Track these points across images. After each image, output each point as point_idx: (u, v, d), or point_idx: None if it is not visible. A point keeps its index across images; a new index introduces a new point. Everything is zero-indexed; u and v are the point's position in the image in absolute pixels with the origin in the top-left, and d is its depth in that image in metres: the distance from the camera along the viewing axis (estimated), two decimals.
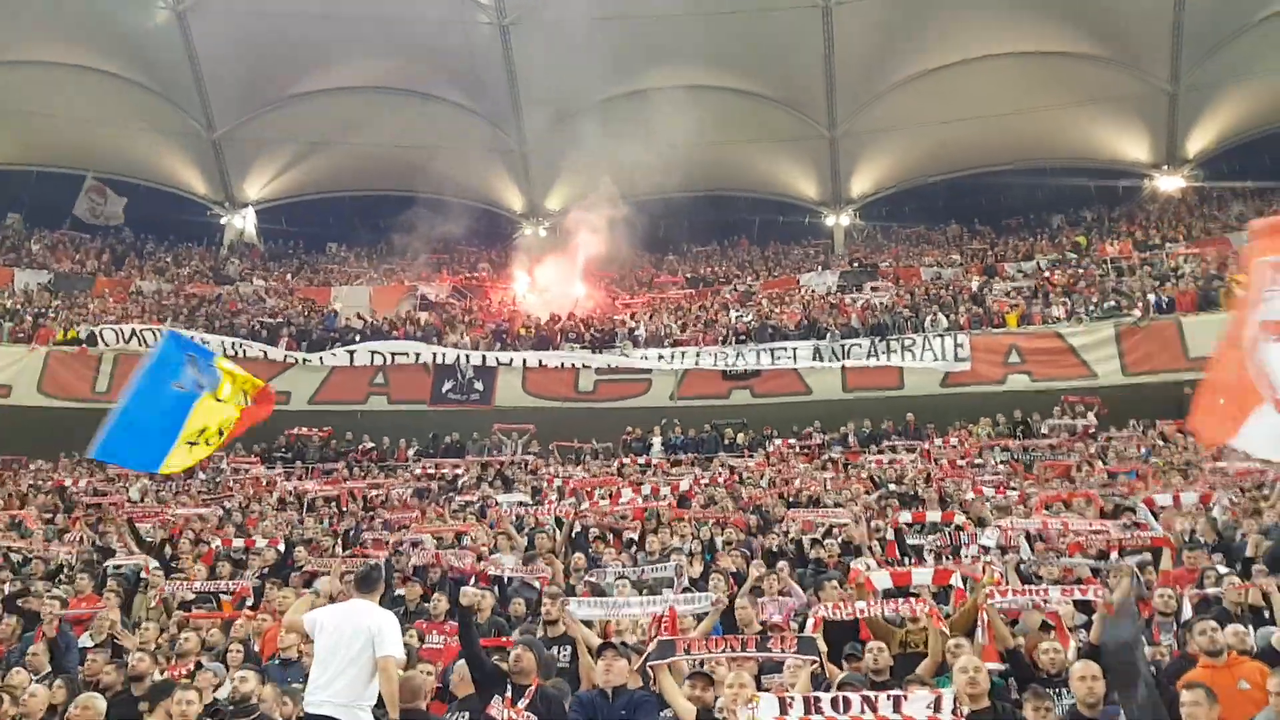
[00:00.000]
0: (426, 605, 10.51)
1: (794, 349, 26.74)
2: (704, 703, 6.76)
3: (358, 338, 28.42)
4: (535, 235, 39.07)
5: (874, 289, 30.80)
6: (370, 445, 25.18)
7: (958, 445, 21.43)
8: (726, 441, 24.26)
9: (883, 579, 9.91)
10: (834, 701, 6.12)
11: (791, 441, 23.21)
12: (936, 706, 5.96)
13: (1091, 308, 26.22)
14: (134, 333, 27.62)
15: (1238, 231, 31.03)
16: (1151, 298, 25.85)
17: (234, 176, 39.73)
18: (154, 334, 26.56)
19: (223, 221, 40.53)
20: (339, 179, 40.47)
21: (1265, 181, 34.07)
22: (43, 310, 30.15)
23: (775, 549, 13.08)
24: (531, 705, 6.57)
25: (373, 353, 27.60)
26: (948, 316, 27.03)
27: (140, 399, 9.22)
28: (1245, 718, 6.31)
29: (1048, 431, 22.42)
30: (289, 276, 36.38)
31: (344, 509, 17.86)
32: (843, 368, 26.22)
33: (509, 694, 6.63)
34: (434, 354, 27.67)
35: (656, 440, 24.60)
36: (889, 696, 6.11)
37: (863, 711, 6.07)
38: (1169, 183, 36.85)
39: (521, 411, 26.14)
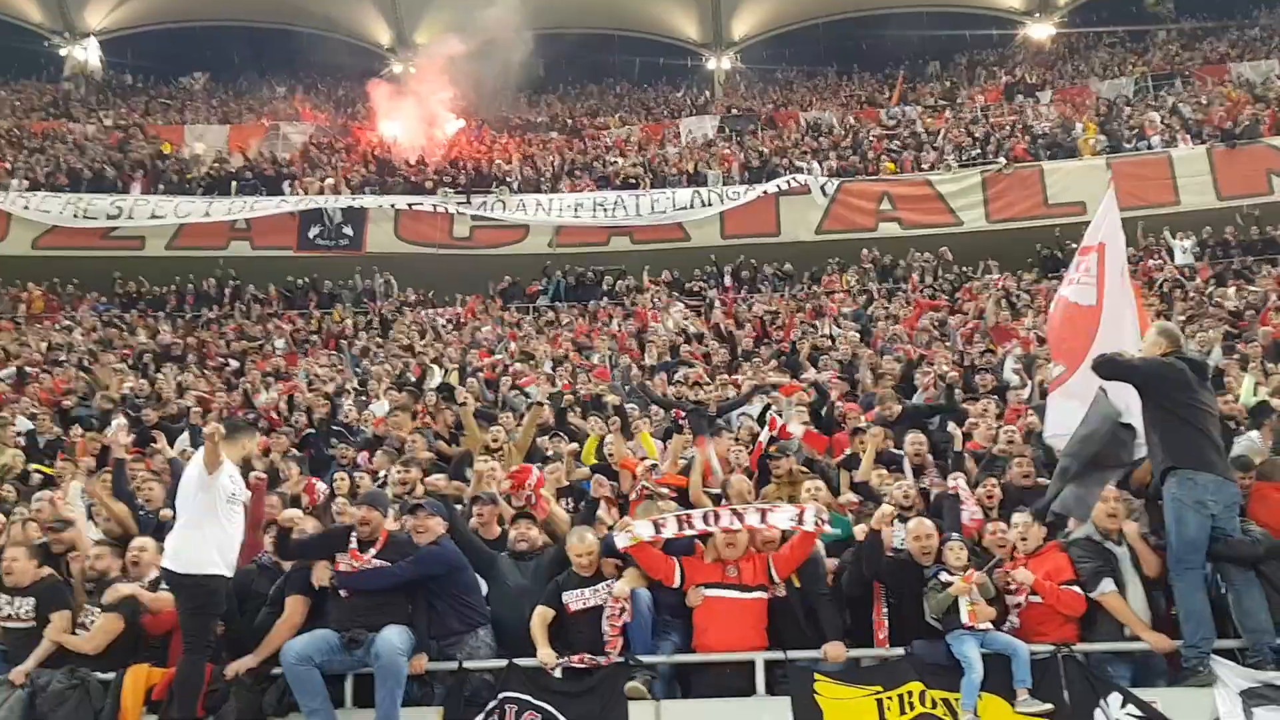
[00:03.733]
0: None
1: (673, 194, 26.58)
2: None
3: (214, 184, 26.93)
4: (405, 71, 37.26)
5: (751, 133, 30.68)
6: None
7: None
8: (606, 288, 24.28)
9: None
10: (705, 516, 6.54)
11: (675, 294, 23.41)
12: (800, 519, 6.39)
13: (962, 156, 26.72)
14: None
15: (1100, 80, 31.92)
16: (1016, 145, 26.52)
17: (72, 2, 36.58)
18: None
19: (62, 53, 37.48)
20: (190, 8, 37.58)
21: (1133, 26, 34.97)
22: None
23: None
24: (382, 554, 6.56)
25: (230, 208, 26.01)
26: (822, 163, 27.19)
27: None
28: None
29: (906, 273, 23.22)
30: (139, 114, 34.00)
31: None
32: (721, 214, 26.19)
33: (354, 546, 6.59)
34: (298, 201, 26.38)
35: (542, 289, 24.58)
36: (756, 509, 6.54)
37: (731, 523, 6.50)
38: (1040, 30, 37.29)
39: (394, 258, 25.50)
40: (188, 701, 6.17)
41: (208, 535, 6.25)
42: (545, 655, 6.36)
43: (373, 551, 6.56)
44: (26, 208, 25.18)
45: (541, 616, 6.59)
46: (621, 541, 6.56)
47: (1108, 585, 6.39)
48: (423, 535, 6.76)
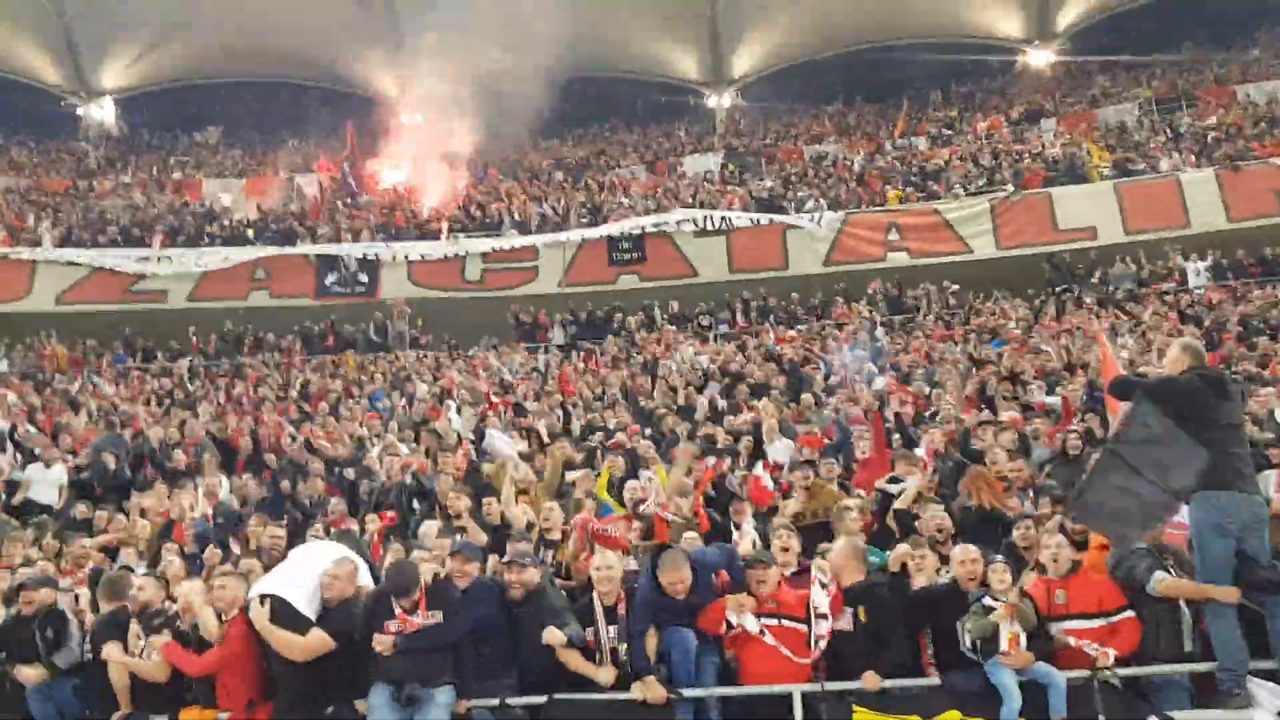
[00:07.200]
0: None
1: (677, 219, 26.73)
2: None
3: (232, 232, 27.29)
4: (412, 121, 37.41)
5: (758, 180, 30.74)
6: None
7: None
8: (617, 326, 24.37)
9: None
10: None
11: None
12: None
13: (969, 184, 26.85)
14: None
15: (1102, 106, 32.15)
16: (1022, 172, 26.65)
17: (88, 62, 37.18)
18: None
19: (80, 113, 38.04)
20: (201, 65, 38.13)
21: (1132, 56, 35.19)
22: None
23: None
24: (430, 603, 6.55)
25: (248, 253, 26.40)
26: (828, 195, 27.33)
27: None
28: None
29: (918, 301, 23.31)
30: (155, 170, 34.40)
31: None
32: (727, 238, 26.36)
33: (399, 610, 6.53)
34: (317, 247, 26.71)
35: (557, 329, 24.68)
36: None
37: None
38: (1040, 57, 37.57)
39: (409, 303, 25.66)
40: None
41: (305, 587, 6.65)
42: (606, 675, 6.41)
43: (420, 612, 6.50)
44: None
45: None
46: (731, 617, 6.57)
47: (1160, 575, 6.29)
48: (461, 579, 6.86)
